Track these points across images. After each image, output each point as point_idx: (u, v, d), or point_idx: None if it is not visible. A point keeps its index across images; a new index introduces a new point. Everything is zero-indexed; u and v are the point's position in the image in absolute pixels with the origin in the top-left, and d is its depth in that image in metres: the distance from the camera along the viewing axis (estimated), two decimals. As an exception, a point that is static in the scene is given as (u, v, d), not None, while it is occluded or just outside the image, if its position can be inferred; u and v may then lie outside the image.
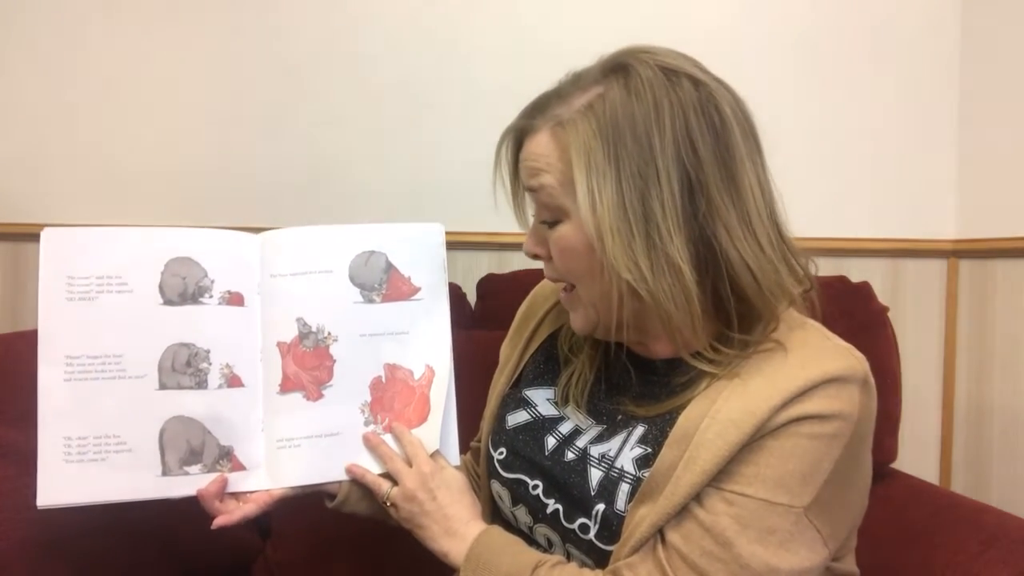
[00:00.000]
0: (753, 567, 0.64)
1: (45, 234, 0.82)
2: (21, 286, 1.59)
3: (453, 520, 0.79)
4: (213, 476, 0.82)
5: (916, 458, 1.59)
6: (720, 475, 0.66)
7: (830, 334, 0.73)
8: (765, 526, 0.65)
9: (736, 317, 0.70)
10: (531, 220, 0.79)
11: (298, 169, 1.57)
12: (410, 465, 0.83)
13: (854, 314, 1.24)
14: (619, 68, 0.69)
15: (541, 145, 0.71)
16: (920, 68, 1.59)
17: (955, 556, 0.95)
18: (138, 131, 1.57)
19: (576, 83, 0.72)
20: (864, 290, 1.28)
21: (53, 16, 1.56)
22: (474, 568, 0.74)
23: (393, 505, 0.82)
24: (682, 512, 0.67)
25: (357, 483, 0.86)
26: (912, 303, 1.61)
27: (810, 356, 0.68)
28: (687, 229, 0.66)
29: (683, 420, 0.69)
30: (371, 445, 0.85)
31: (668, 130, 0.66)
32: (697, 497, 0.67)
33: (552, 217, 0.72)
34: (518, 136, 0.76)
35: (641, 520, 0.68)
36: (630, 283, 0.66)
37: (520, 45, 1.55)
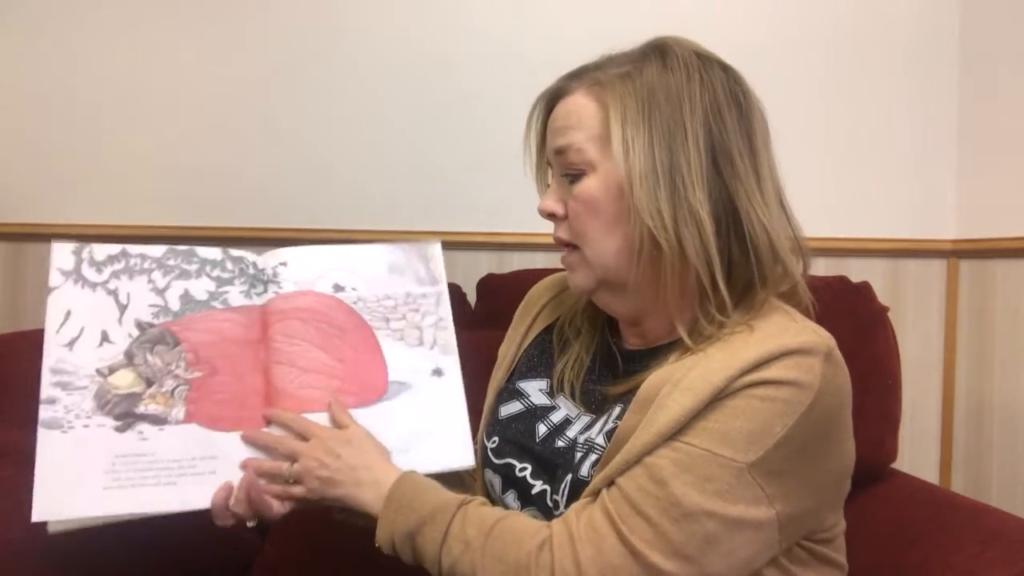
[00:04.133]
0: (684, 505, 0.65)
1: None
2: (21, 286, 1.59)
3: (361, 470, 0.76)
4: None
5: (916, 458, 1.59)
6: (674, 433, 0.68)
7: (799, 316, 0.75)
8: (703, 474, 0.66)
9: (732, 288, 0.73)
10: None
11: (298, 170, 1.57)
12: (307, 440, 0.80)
13: (854, 314, 1.23)
14: (657, 48, 0.76)
15: (575, 104, 0.76)
16: (920, 68, 1.59)
17: (955, 556, 0.95)
18: (139, 132, 1.57)
19: (613, 60, 0.77)
20: (864, 290, 1.28)
21: (54, 17, 1.56)
22: (395, 508, 0.73)
23: (298, 482, 0.78)
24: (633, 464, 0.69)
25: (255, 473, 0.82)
26: (912, 303, 1.61)
27: (772, 333, 0.70)
28: (709, 186, 0.72)
29: (644, 388, 0.72)
30: (250, 439, 0.82)
31: (698, 99, 0.73)
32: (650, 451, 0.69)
33: (577, 172, 0.76)
34: (551, 101, 0.80)
35: (598, 479, 0.70)
36: (652, 230, 0.71)
37: (520, 47, 1.55)
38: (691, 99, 0.72)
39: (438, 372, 0.90)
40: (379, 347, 0.89)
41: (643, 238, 0.72)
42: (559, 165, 0.78)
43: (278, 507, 0.80)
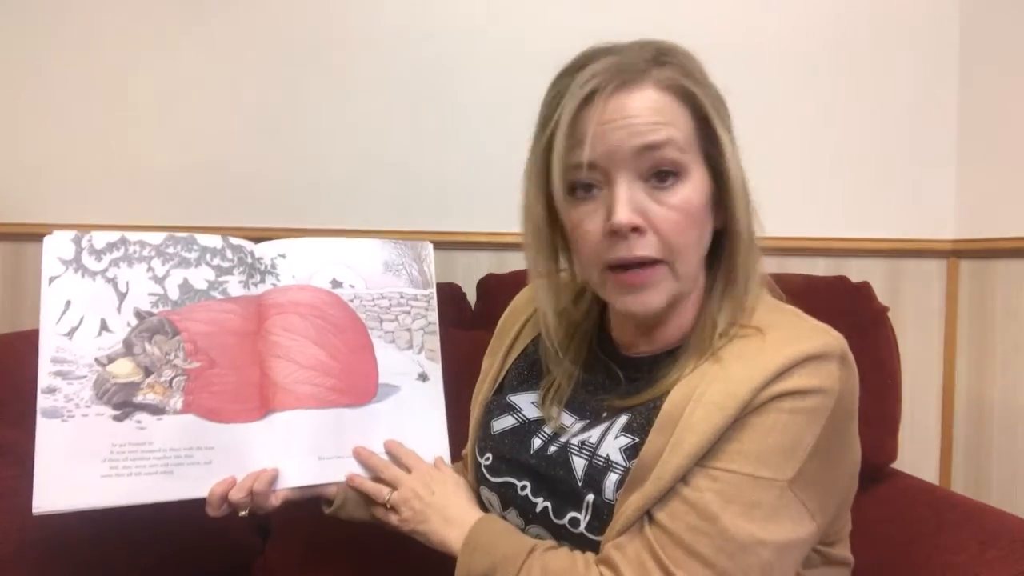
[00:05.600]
0: (739, 539, 0.65)
1: None
2: (21, 286, 1.59)
3: (450, 509, 0.81)
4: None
5: (916, 458, 1.59)
6: (705, 454, 0.67)
7: (805, 316, 0.75)
8: (750, 500, 0.65)
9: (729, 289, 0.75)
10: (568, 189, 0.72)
11: (298, 170, 1.57)
12: (409, 472, 0.86)
13: (854, 314, 1.23)
14: (672, 50, 0.73)
15: (654, 99, 0.69)
16: (920, 67, 1.59)
17: (955, 556, 0.95)
18: (138, 133, 1.57)
19: (638, 54, 0.70)
20: (864, 290, 1.28)
21: (53, 18, 1.56)
22: (471, 550, 0.75)
23: (393, 508, 0.84)
24: (668, 492, 0.68)
25: (354, 490, 0.87)
26: (912, 303, 1.61)
27: (787, 337, 0.69)
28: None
29: (668, 406, 0.70)
30: (362, 459, 0.87)
31: (721, 103, 0.73)
32: (683, 477, 0.68)
33: (669, 173, 0.69)
34: (616, 89, 0.69)
35: (629, 506, 0.69)
36: (743, 236, 0.72)
37: (521, 47, 1.55)
38: (720, 104, 0.73)
39: (423, 377, 0.93)
40: (372, 348, 0.91)
41: (707, 249, 0.74)
42: (645, 165, 0.68)
43: (273, 500, 0.84)
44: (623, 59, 0.70)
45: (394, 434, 0.89)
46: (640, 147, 0.68)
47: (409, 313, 0.93)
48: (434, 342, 0.94)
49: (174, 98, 1.57)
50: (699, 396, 0.68)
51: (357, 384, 0.89)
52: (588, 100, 0.69)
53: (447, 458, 0.92)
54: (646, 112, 0.68)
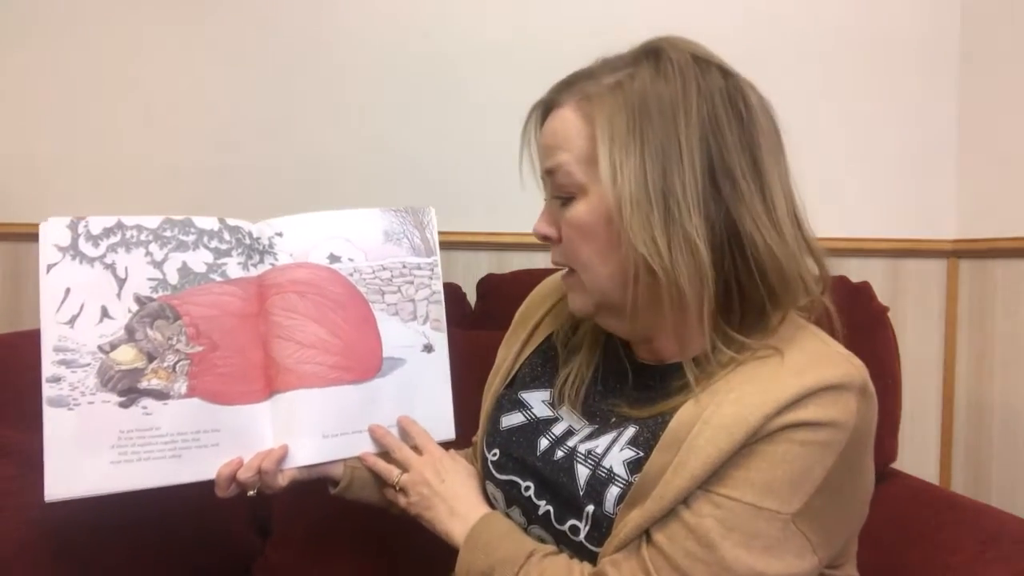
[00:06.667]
0: (736, 570, 0.63)
1: None
2: (21, 286, 1.59)
3: (459, 500, 0.81)
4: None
5: (916, 458, 1.59)
6: (709, 477, 0.65)
7: (829, 339, 0.72)
8: (750, 530, 0.64)
9: (745, 310, 0.70)
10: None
11: (297, 169, 1.57)
12: (420, 453, 0.86)
13: (854, 314, 1.23)
14: (651, 52, 0.71)
15: (562, 121, 0.72)
16: (920, 69, 1.59)
17: (955, 556, 0.95)
18: (138, 130, 1.57)
19: (606, 65, 0.73)
20: (864, 290, 1.28)
21: (52, 14, 1.56)
22: (472, 548, 0.75)
23: (402, 490, 0.84)
24: (669, 513, 0.67)
25: (361, 470, 0.88)
26: (912, 303, 1.61)
27: (806, 363, 0.67)
28: (707, 209, 0.67)
29: (675, 424, 0.68)
30: (376, 436, 0.88)
31: (694, 112, 0.67)
32: (685, 499, 0.66)
33: (567, 195, 0.72)
34: (544, 112, 0.77)
35: (629, 522, 0.68)
36: (646, 258, 0.66)
37: (521, 47, 1.55)
38: (687, 112, 0.67)
39: (428, 348, 0.92)
40: (375, 322, 0.90)
41: (637, 265, 0.67)
42: (550, 186, 0.75)
43: (280, 480, 0.85)
44: (583, 71, 0.74)
45: (400, 408, 0.89)
46: (544, 170, 0.75)
47: (412, 283, 0.92)
48: (439, 311, 0.93)
49: (175, 96, 1.57)
50: (708, 417, 0.66)
51: (360, 360, 0.89)
52: (529, 118, 0.78)
53: (453, 430, 0.92)
54: (550, 135, 0.74)
